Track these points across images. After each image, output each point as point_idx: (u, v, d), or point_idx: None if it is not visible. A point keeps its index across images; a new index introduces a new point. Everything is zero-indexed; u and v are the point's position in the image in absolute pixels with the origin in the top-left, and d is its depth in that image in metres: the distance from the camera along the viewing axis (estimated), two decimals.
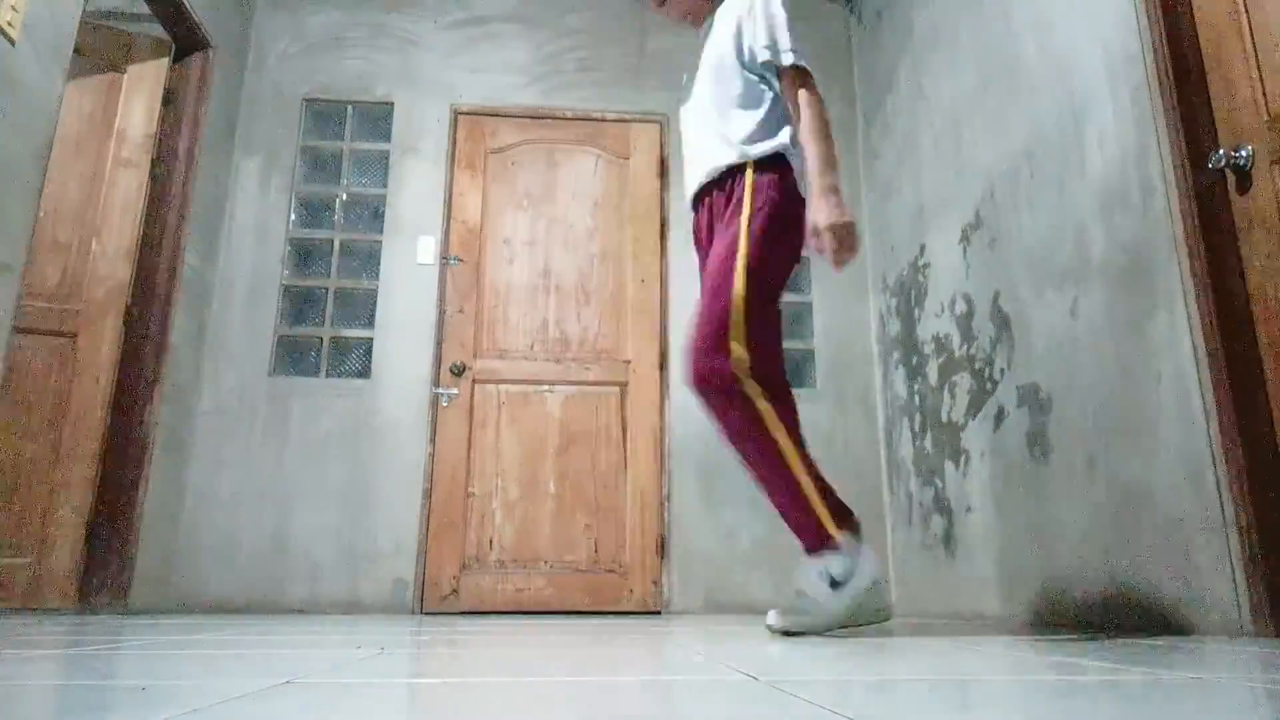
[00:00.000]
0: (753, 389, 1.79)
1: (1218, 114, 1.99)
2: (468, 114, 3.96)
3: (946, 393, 3.13)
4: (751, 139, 1.97)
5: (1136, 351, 2.12)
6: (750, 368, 1.80)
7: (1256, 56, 1.88)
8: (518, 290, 3.76)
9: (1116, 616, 2.15)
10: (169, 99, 3.38)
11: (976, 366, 2.92)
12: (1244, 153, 1.89)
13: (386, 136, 3.94)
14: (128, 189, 3.24)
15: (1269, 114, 1.85)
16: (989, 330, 2.84)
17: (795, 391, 3.80)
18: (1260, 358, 1.85)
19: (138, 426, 3.08)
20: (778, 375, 1.84)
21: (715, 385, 1.81)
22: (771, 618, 1.77)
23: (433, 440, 3.53)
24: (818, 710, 0.68)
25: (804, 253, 1.98)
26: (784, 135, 1.98)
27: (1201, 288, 1.91)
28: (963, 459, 2.98)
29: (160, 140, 3.34)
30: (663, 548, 3.49)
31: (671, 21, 2.58)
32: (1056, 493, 2.43)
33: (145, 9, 3.53)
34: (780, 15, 2.01)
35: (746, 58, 2.02)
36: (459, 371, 3.60)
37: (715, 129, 2.00)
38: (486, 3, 4.13)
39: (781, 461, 1.77)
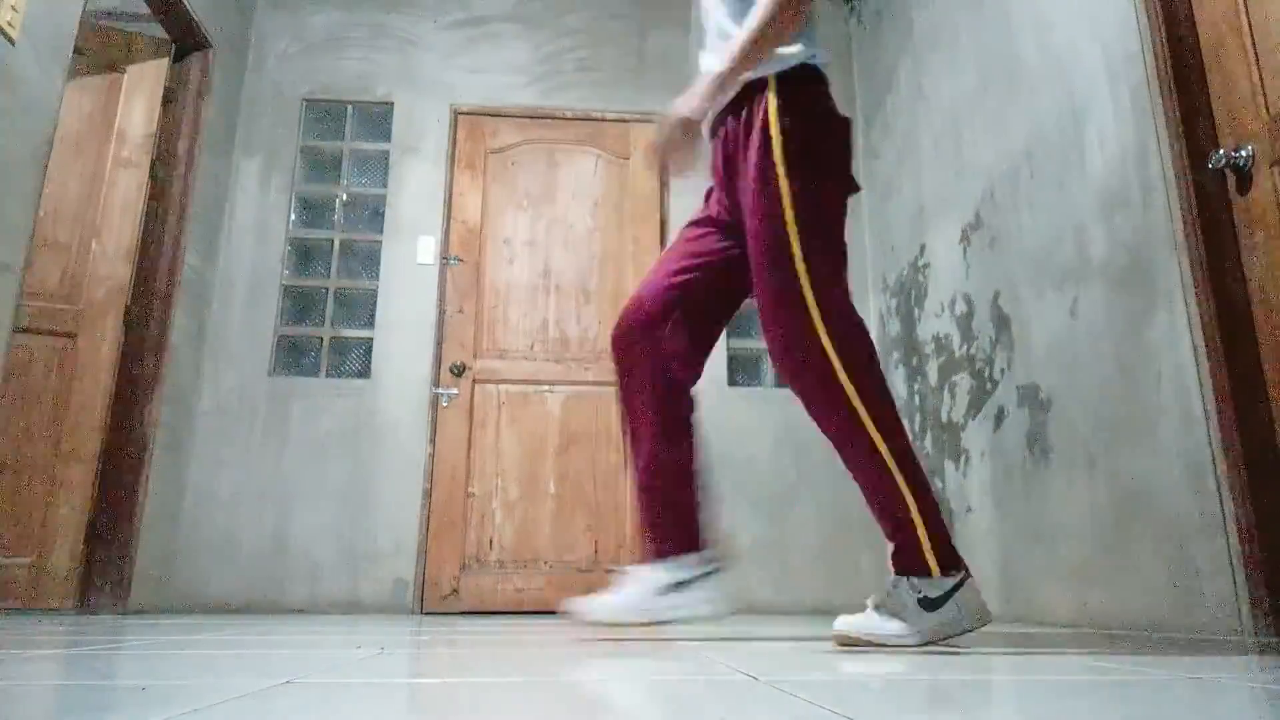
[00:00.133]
0: (838, 362, 1.50)
1: (1218, 114, 1.99)
2: (468, 114, 3.96)
3: (946, 393, 3.13)
4: None
5: (1136, 351, 2.12)
6: (832, 338, 1.51)
7: (1256, 56, 1.88)
8: (518, 290, 3.76)
9: (1116, 616, 2.15)
10: (169, 99, 3.39)
11: (976, 366, 2.92)
12: (1244, 153, 1.89)
13: (386, 136, 3.94)
14: (128, 189, 3.24)
15: (1269, 114, 1.85)
16: (989, 330, 2.84)
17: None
18: (1260, 358, 1.85)
19: (138, 426, 3.08)
20: (861, 340, 1.53)
21: (815, 373, 1.51)
22: (841, 623, 1.48)
23: (433, 440, 3.53)
24: (818, 710, 0.68)
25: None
26: (806, 44, 1.63)
27: (1201, 288, 1.91)
28: (963, 459, 2.98)
29: (160, 140, 3.34)
30: None
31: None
32: (1056, 493, 2.43)
33: (145, 9, 3.53)
34: None
35: None
36: (459, 371, 3.60)
37: (726, 48, 1.63)
38: (486, 3, 4.13)
39: (871, 446, 1.48)
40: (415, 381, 3.59)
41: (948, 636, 1.43)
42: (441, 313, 3.69)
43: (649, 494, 1.68)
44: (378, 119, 3.97)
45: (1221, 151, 1.92)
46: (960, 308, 3.05)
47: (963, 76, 3.09)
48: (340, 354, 3.71)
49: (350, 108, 3.96)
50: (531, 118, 3.98)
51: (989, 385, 2.83)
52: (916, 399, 3.38)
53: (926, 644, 1.43)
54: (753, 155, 1.60)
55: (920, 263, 3.39)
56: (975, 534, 2.87)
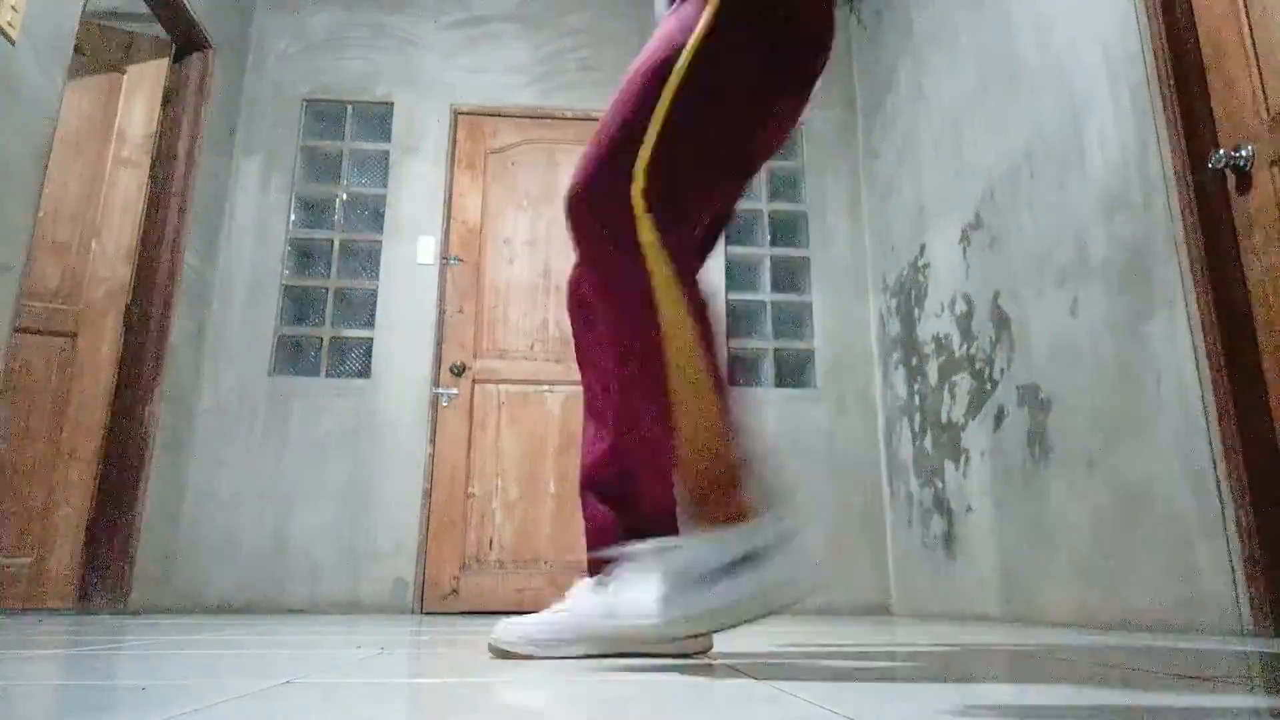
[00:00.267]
0: (649, 239, 1.05)
1: (1218, 114, 1.99)
2: (468, 114, 3.96)
3: (946, 393, 3.13)
4: None
5: (1136, 351, 2.12)
6: (653, 213, 1.06)
7: (1256, 56, 1.88)
8: (518, 290, 3.76)
9: (1116, 616, 2.15)
10: (169, 99, 3.39)
11: (976, 366, 2.92)
12: (1244, 153, 1.89)
13: (386, 136, 3.94)
14: (128, 189, 3.24)
15: (1269, 114, 1.85)
16: (989, 330, 2.84)
17: (795, 392, 3.82)
18: (1260, 358, 1.85)
19: (138, 426, 3.08)
20: (688, 250, 1.12)
21: (600, 217, 1.08)
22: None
23: (433, 440, 3.53)
24: (817, 710, 0.68)
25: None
26: None
27: (1201, 288, 1.91)
28: (963, 459, 2.98)
29: (160, 140, 3.34)
30: None
31: None
32: (1056, 493, 2.43)
33: (145, 9, 3.53)
34: None
35: None
36: (459, 371, 3.60)
37: None
38: (486, 3, 4.13)
39: (659, 370, 1.06)
40: (415, 381, 3.59)
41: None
42: (441, 313, 3.69)
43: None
44: (378, 119, 3.97)
45: (1221, 151, 1.92)
46: (960, 308, 3.05)
47: (963, 76, 3.09)
48: (340, 354, 3.71)
49: (350, 108, 3.96)
50: (531, 118, 3.98)
51: (989, 385, 2.83)
52: (916, 399, 3.38)
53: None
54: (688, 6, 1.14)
55: (920, 263, 3.39)
56: (975, 534, 2.87)
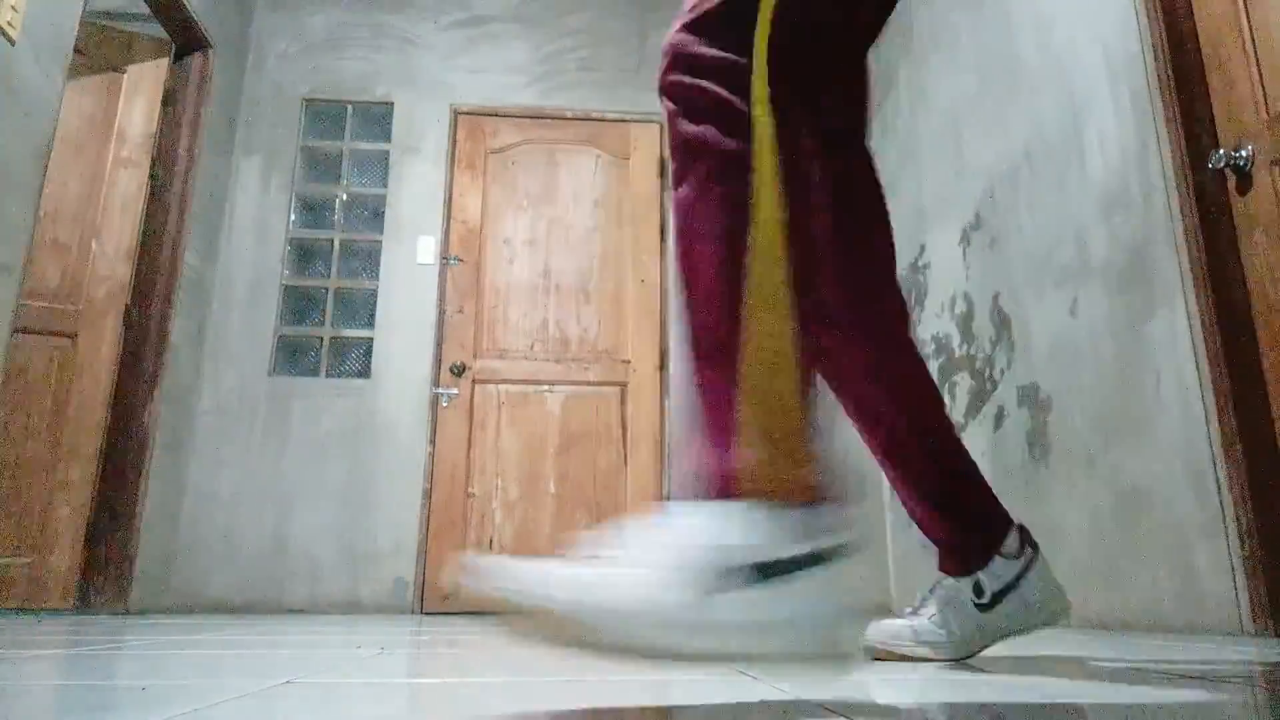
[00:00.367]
0: (764, 123, 0.81)
1: (1218, 114, 1.99)
2: (468, 114, 3.96)
3: (946, 393, 3.13)
4: None
5: (1136, 351, 2.12)
6: (772, 88, 0.82)
7: (1256, 56, 1.88)
8: (518, 290, 3.76)
9: (1116, 616, 2.15)
10: (169, 99, 3.38)
11: (976, 366, 2.92)
12: (1244, 153, 1.89)
13: (386, 136, 3.94)
14: (128, 189, 3.24)
15: (1269, 114, 1.85)
16: (989, 330, 2.84)
17: None
18: (1260, 358, 1.85)
19: (138, 426, 3.08)
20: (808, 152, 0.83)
21: (698, 90, 0.83)
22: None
23: (433, 440, 3.53)
24: (817, 708, 0.68)
25: None
26: None
27: (1201, 288, 1.91)
28: None
29: (160, 140, 3.34)
30: None
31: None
32: (1056, 493, 2.43)
33: (145, 9, 3.53)
34: None
35: None
36: (459, 371, 3.60)
37: None
38: (486, 3, 4.13)
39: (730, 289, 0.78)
40: (415, 381, 3.59)
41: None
42: (441, 313, 3.69)
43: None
44: (378, 119, 3.97)
45: (1221, 151, 1.92)
46: (960, 308, 3.05)
47: (963, 77, 3.09)
48: (340, 354, 3.71)
49: (350, 108, 3.96)
50: (531, 118, 3.98)
51: (989, 385, 2.83)
52: None
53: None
54: None
55: (920, 263, 3.39)
56: None
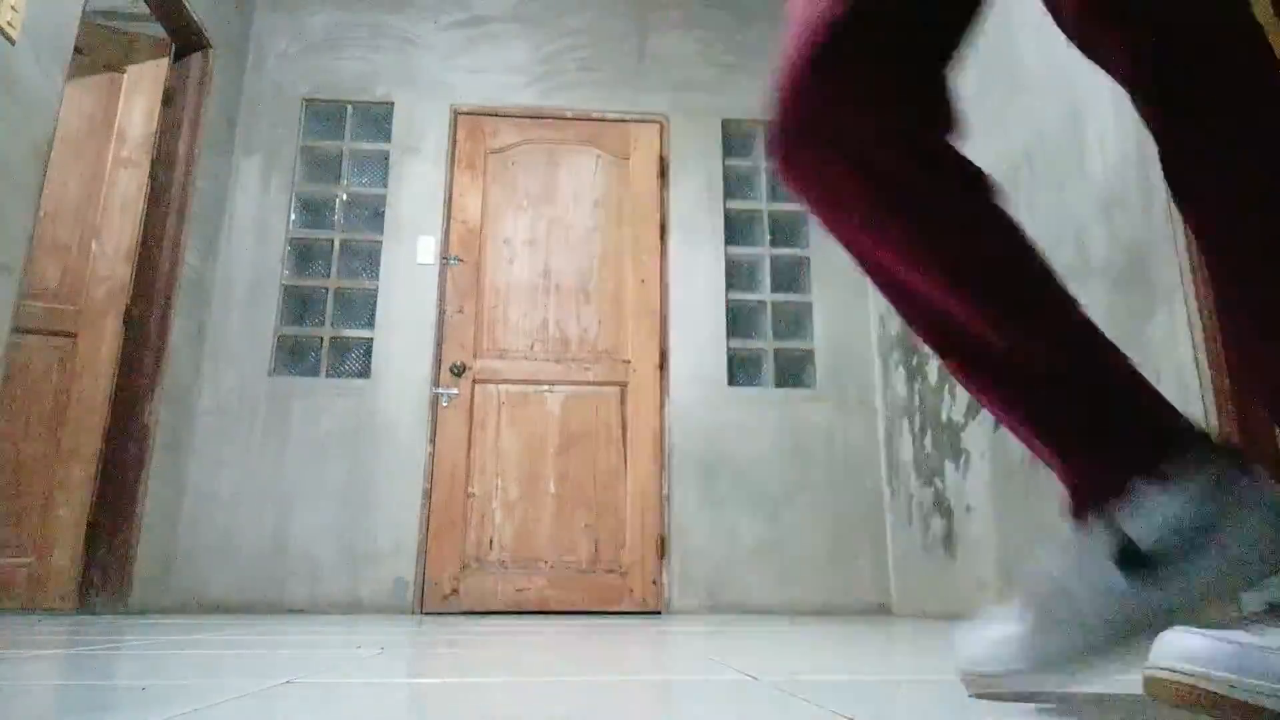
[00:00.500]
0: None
1: None
2: (468, 114, 3.96)
3: (946, 393, 3.13)
4: None
5: (1136, 351, 2.12)
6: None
7: None
8: (518, 290, 3.76)
9: None
10: (169, 99, 3.38)
11: None
12: None
13: (386, 136, 3.94)
14: (128, 189, 3.24)
15: None
16: None
17: (795, 392, 3.83)
18: None
19: (138, 426, 3.08)
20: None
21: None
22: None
23: (433, 440, 3.53)
24: (818, 710, 0.68)
25: None
26: None
27: (1201, 288, 1.91)
28: (963, 459, 2.98)
29: (160, 140, 3.34)
30: (663, 548, 3.49)
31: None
32: (1056, 492, 2.43)
33: (145, 9, 3.53)
34: None
35: None
36: (459, 371, 3.60)
37: None
38: (486, 3, 4.13)
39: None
40: (415, 381, 3.59)
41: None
42: (441, 313, 3.69)
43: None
44: (378, 119, 3.97)
45: None
46: None
47: (962, 76, 3.09)
48: (340, 354, 3.71)
49: (350, 108, 3.96)
50: (531, 118, 3.98)
51: None
52: (916, 399, 3.38)
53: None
54: None
55: None
56: (975, 534, 2.87)
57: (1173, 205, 2.01)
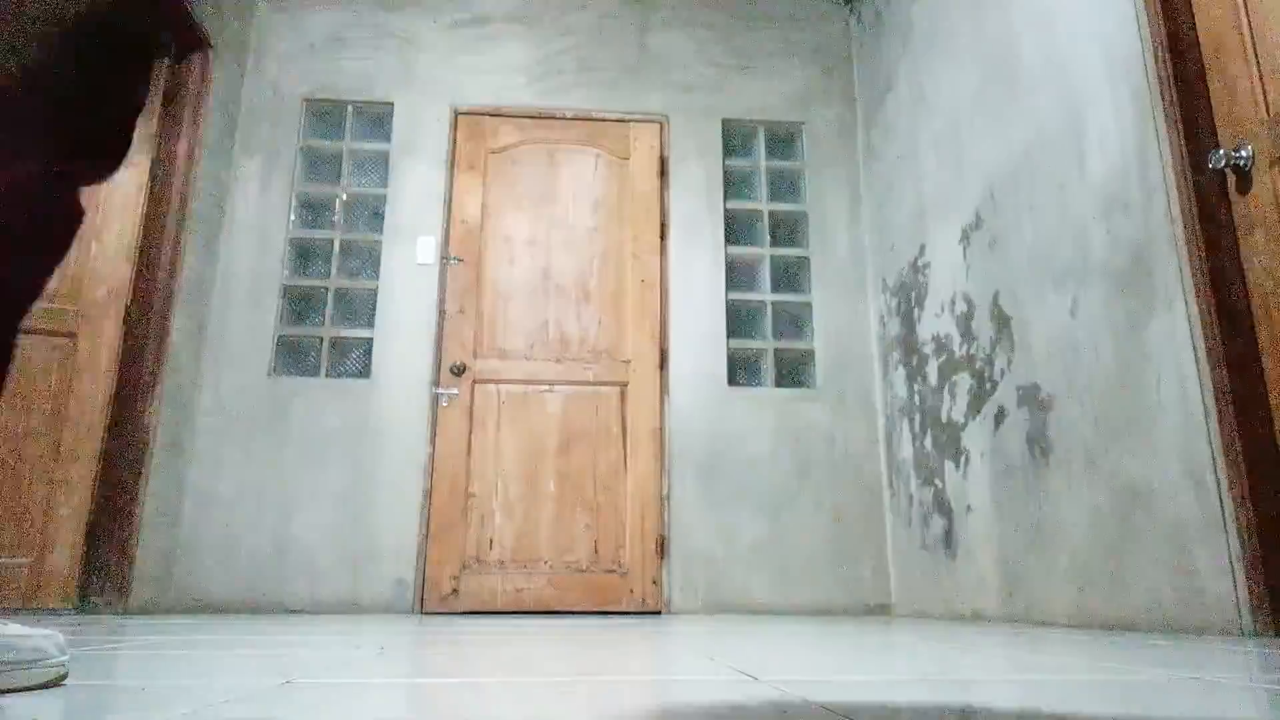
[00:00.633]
0: None
1: (1218, 114, 1.99)
2: (468, 114, 3.96)
3: (946, 393, 3.13)
4: None
5: (1136, 351, 2.12)
6: None
7: (1256, 56, 1.88)
8: (518, 290, 3.76)
9: (1116, 616, 2.15)
10: (169, 99, 3.39)
11: (976, 366, 2.92)
12: (1244, 153, 1.89)
13: (386, 137, 3.94)
14: (128, 189, 3.24)
15: (1269, 114, 1.85)
16: (989, 330, 2.84)
17: (795, 392, 3.83)
18: (1260, 358, 1.85)
19: (138, 427, 3.08)
20: None
21: None
22: None
23: (433, 440, 3.53)
24: (818, 710, 0.68)
25: None
26: None
27: (1201, 288, 1.91)
28: (963, 459, 2.98)
29: (160, 140, 3.35)
30: (663, 548, 3.49)
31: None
32: (1056, 493, 2.43)
33: None
34: None
35: None
36: (459, 371, 3.60)
37: None
38: (486, 3, 4.13)
39: None
40: (415, 381, 3.59)
41: None
42: (441, 313, 3.69)
43: None
44: (378, 119, 3.97)
45: (1221, 151, 1.92)
46: (960, 308, 3.05)
47: (963, 76, 3.09)
48: (340, 354, 3.71)
49: (350, 108, 3.96)
50: (531, 118, 3.98)
51: (989, 385, 2.83)
52: (916, 399, 3.38)
53: None
54: None
55: (920, 263, 3.39)
56: (975, 534, 2.87)
57: (1173, 205, 2.01)
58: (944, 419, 3.14)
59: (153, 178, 3.30)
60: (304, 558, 3.36)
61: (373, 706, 0.72)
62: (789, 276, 3.96)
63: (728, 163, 4.04)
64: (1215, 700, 0.74)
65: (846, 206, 4.01)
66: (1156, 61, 2.08)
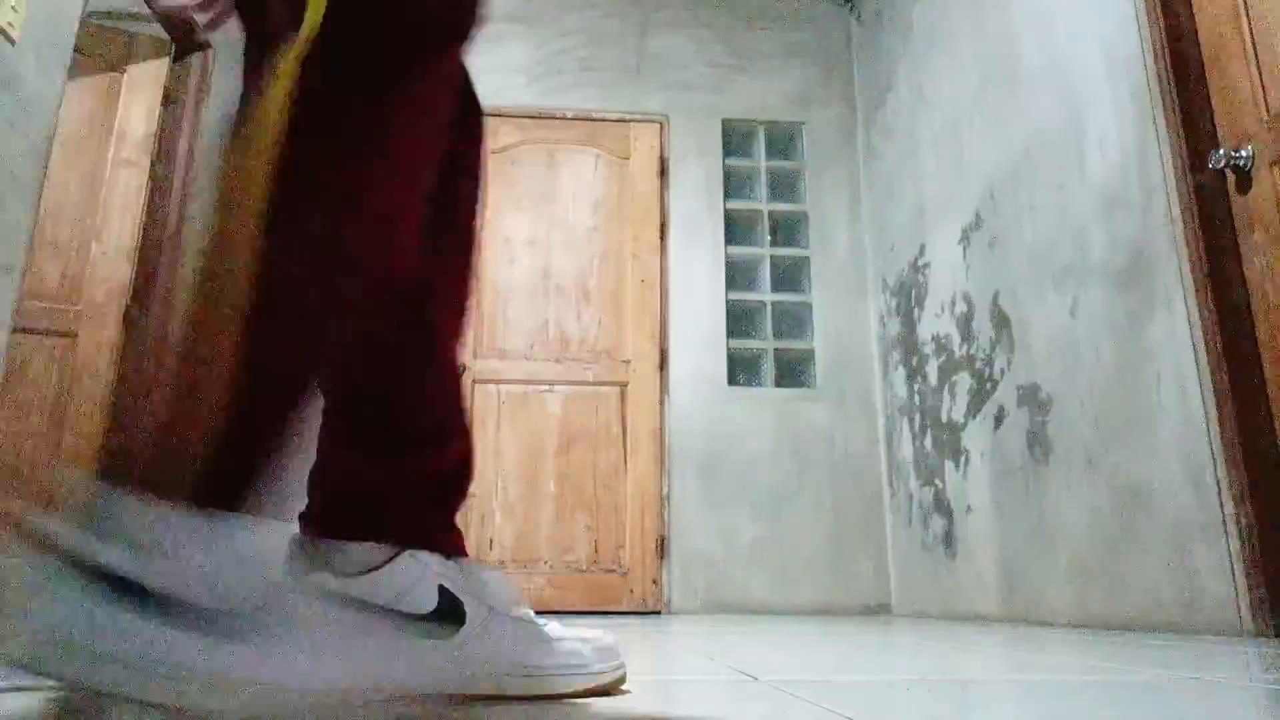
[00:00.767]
0: None
1: (1218, 114, 1.99)
2: None
3: (946, 393, 3.13)
4: None
5: (1136, 351, 2.12)
6: None
7: (1256, 56, 1.88)
8: (518, 290, 3.76)
9: (1116, 616, 2.15)
10: (169, 99, 3.38)
11: (976, 366, 2.92)
12: (1244, 153, 1.89)
13: None
14: (128, 189, 3.24)
15: (1269, 114, 1.85)
16: (989, 330, 2.84)
17: (795, 392, 3.82)
18: (1260, 358, 1.85)
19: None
20: None
21: None
22: None
23: None
24: (818, 710, 0.68)
25: None
26: None
27: (1201, 288, 1.91)
28: (963, 459, 2.98)
29: (160, 140, 3.34)
30: (663, 548, 3.49)
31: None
32: (1056, 493, 2.43)
33: (145, 9, 3.53)
34: None
35: None
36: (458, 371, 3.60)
37: None
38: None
39: None
40: None
41: None
42: None
43: None
44: None
45: (1221, 151, 1.92)
46: (960, 308, 3.05)
47: (963, 76, 3.09)
48: None
49: None
50: (531, 117, 3.98)
51: (989, 385, 2.83)
52: (916, 399, 3.38)
53: None
54: None
55: (920, 263, 3.39)
56: (975, 534, 2.87)
57: (1173, 205, 2.01)
58: (944, 419, 3.14)
59: (152, 178, 3.30)
60: None
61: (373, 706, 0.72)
62: (789, 276, 3.96)
63: (728, 163, 4.04)
64: (1215, 700, 0.74)
65: (846, 206, 4.00)
66: (1156, 61, 2.08)
